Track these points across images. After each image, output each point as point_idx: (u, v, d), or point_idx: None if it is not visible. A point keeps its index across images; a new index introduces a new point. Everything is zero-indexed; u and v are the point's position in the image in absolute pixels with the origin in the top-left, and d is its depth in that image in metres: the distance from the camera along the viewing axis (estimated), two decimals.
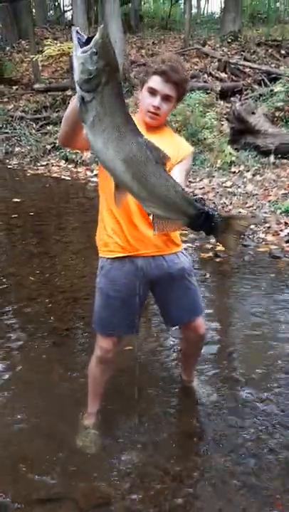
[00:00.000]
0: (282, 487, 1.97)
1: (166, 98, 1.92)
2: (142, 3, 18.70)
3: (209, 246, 4.61)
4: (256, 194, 5.88)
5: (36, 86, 10.42)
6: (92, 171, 8.04)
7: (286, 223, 4.91)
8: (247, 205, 5.53)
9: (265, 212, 5.25)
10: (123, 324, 2.09)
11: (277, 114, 7.66)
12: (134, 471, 2.08)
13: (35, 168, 8.50)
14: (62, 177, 7.90)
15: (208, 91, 9.05)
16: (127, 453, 2.17)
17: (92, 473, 2.08)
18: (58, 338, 3.13)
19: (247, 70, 10.29)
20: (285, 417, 2.37)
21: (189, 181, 6.55)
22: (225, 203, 5.69)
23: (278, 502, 1.92)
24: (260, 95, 8.63)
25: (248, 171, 6.72)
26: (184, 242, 3.09)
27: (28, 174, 8.21)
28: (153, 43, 13.42)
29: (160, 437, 2.27)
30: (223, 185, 6.34)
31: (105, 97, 1.33)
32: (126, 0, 16.79)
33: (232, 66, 10.34)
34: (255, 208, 5.44)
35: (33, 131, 9.27)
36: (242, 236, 1.73)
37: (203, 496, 1.96)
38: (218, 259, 4.33)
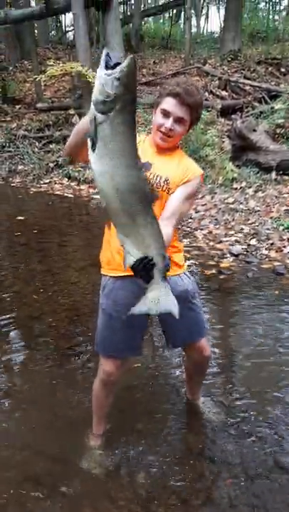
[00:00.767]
0: None
1: (179, 120, 1.91)
2: (143, 23, 18.96)
3: (213, 263, 4.61)
4: (258, 210, 5.89)
5: (39, 105, 10.54)
6: (94, 189, 8.08)
7: None
8: (249, 222, 5.54)
9: (268, 229, 5.25)
10: (126, 346, 2.07)
11: (278, 131, 7.72)
12: (142, 493, 2.05)
13: (38, 185, 8.55)
14: (65, 194, 7.94)
15: (209, 109, 9.14)
16: (133, 474, 2.14)
17: (98, 495, 2.05)
18: (61, 357, 3.11)
19: (247, 87, 10.40)
20: None
21: None
22: (227, 219, 5.70)
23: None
24: (261, 113, 8.71)
25: (249, 187, 6.75)
26: (188, 259, 3.09)
27: (31, 192, 8.25)
28: (154, 62, 13.60)
29: (167, 458, 2.24)
30: (225, 201, 6.36)
31: (115, 123, 1.35)
32: (126, 20, 17.08)
33: (232, 84, 10.46)
34: (257, 224, 5.44)
35: (36, 149, 9.34)
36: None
37: None
38: (221, 276, 4.32)
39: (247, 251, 4.82)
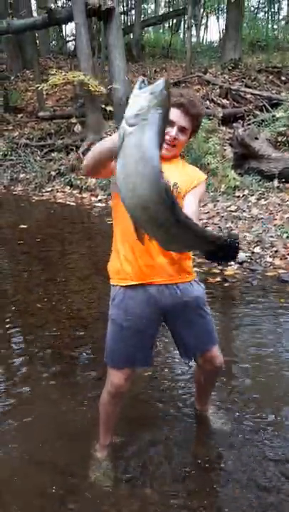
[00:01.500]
0: None
1: (182, 130, 1.97)
2: (143, 33, 19.10)
3: (217, 270, 4.59)
4: (261, 218, 5.88)
5: (41, 114, 10.58)
6: (96, 197, 8.09)
7: None
8: (253, 229, 5.52)
9: (272, 237, 5.24)
10: (136, 356, 2.05)
11: (279, 139, 7.74)
12: (151, 506, 2.01)
13: (40, 194, 8.56)
14: (68, 203, 7.95)
15: (211, 117, 9.17)
16: (142, 486, 2.11)
17: (105, 507, 2.01)
18: (66, 366, 3.09)
19: (248, 96, 10.46)
20: None
21: None
22: (231, 227, 5.68)
23: None
24: (262, 121, 8.74)
25: (252, 195, 6.75)
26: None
27: (33, 200, 8.26)
28: (155, 71, 13.67)
29: (176, 470, 2.21)
30: (228, 209, 6.36)
31: (144, 133, 1.35)
32: (127, 30, 17.20)
33: (233, 92, 10.51)
34: (260, 232, 5.42)
35: (38, 158, 9.37)
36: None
37: None
38: (226, 284, 4.30)
39: (251, 259, 4.80)
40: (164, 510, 1.99)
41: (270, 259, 4.74)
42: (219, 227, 5.75)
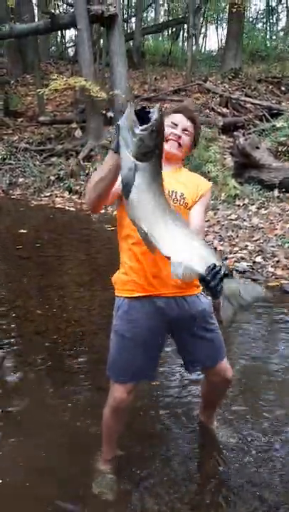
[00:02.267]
0: None
1: (185, 131, 2.03)
2: (143, 40, 19.17)
3: None
4: (262, 227, 5.87)
5: (41, 118, 10.56)
6: None
7: None
8: (254, 239, 5.51)
9: (273, 246, 5.22)
10: (141, 369, 2.00)
11: (280, 148, 7.76)
12: None
13: (39, 199, 8.52)
14: (67, 208, 7.91)
15: (211, 125, 9.19)
16: (145, 500, 2.06)
17: None
18: (68, 375, 3.03)
19: (248, 105, 10.50)
20: None
21: None
22: (231, 235, 5.67)
23: None
24: (263, 130, 8.77)
25: (252, 204, 6.75)
26: None
27: (32, 205, 8.22)
28: (155, 78, 13.70)
29: (180, 484, 2.16)
30: (228, 218, 6.34)
31: (156, 165, 1.53)
32: (128, 37, 17.27)
33: (233, 102, 10.55)
34: (262, 241, 5.41)
35: (37, 162, 9.33)
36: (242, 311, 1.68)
37: None
38: None
39: (253, 268, 4.78)
40: None
41: (271, 269, 4.71)
42: (220, 235, 5.73)
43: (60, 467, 2.23)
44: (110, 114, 9.14)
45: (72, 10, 11.30)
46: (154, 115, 1.46)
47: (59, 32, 19.31)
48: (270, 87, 11.86)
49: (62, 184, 8.70)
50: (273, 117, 9.61)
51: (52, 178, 8.82)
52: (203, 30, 25.48)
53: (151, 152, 1.48)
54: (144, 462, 2.27)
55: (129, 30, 19.88)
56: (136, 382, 2.04)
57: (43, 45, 18.18)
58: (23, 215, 7.73)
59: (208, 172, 7.41)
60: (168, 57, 17.84)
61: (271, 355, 3.27)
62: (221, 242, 5.54)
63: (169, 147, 1.98)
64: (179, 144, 2.02)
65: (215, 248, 5.24)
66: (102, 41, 12.90)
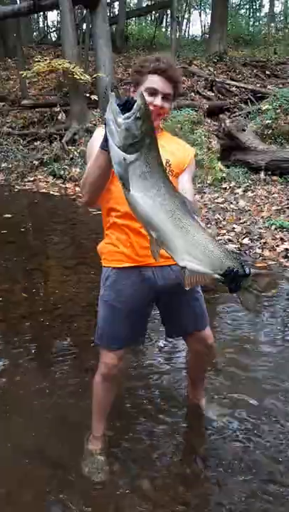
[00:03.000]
0: None
1: (165, 97, 1.86)
2: (126, 24, 18.91)
3: None
4: (249, 210, 5.85)
5: (24, 102, 10.34)
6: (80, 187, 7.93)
7: (282, 239, 4.86)
8: (241, 221, 5.48)
9: (260, 228, 5.20)
10: (130, 336, 2.01)
11: (266, 131, 7.72)
12: (146, 500, 1.94)
13: (23, 183, 8.36)
14: (51, 193, 7.77)
15: (196, 109, 9.11)
16: (136, 481, 2.03)
17: (100, 503, 1.93)
18: (54, 358, 2.98)
19: (233, 89, 10.43)
20: None
21: None
22: (219, 218, 5.63)
23: None
24: (249, 113, 8.72)
25: (239, 187, 6.71)
26: None
27: (16, 190, 8.06)
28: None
29: (171, 463, 2.14)
30: (215, 201, 6.30)
31: (150, 157, 1.42)
32: (111, 21, 17.00)
33: (219, 85, 10.47)
34: (249, 223, 5.38)
35: (20, 146, 9.14)
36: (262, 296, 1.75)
37: None
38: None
39: (240, 250, 4.75)
40: (159, 504, 1.92)
41: (259, 251, 4.69)
42: (207, 218, 5.69)
43: (49, 449, 2.19)
44: (94, 96, 8.98)
45: None
46: (138, 101, 1.36)
47: (42, 16, 18.96)
48: (255, 70, 11.80)
49: (46, 169, 8.54)
50: (258, 100, 9.56)
51: (35, 162, 8.64)
52: (186, 15, 25.23)
53: (139, 142, 1.38)
54: (133, 442, 2.24)
55: (112, 14, 19.57)
56: (126, 346, 2.05)
57: (25, 29, 17.85)
58: (6, 200, 7.59)
59: (194, 155, 7.34)
60: (152, 41, 17.62)
61: (257, 335, 3.25)
62: (209, 225, 5.50)
63: None
64: (159, 114, 1.87)
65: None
66: (84, 25, 12.65)
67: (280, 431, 2.31)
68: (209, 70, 11.46)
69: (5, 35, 14.23)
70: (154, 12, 21.49)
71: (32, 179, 8.48)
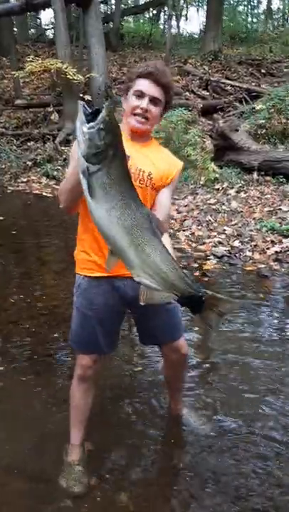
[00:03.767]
0: None
1: (153, 100, 1.84)
2: (122, 22, 18.83)
3: (196, 265, 4.51)
4: (241, 211, 5.82)
5: (18, 102, 10.30)
6: None
7: (272, 241, 4.84)
8: (232, 223, 5.46)
9: (251, 230, 5.18)
10: (102, 343, 2.01)
11: (259, 131, 7.69)
12: None
13: (16, 184, 8.32)
14: (44, 194, 7.74)
15: (190, 108, 9.07)
16: (115, 493, 2.01)
17: None
18: (40, 365, 2.96)
19: (228, 88, 10.38)
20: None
21: (174, 198, 6.47)
22: (210, 220, 5.61)
23: None
24: (242, 113, 8.68)
25: (231, 188, 6.68)
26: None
27: (8, 191, 8.03)
28: (134, 61, 13.47)
29: (151, 475, 2.12)
30: (208, 202, 6.27)
31: (112, 169, 1.39)
32: (107, 19, 16.92)
33: (213, 84, 10.42)
34: (240, 225, 5.36)
35: (14, 147, 9.10)
36: (224, 317, 1.79)
37: None
38: (205, 279, 4.22)
39: (230, 253, 4.74)
40: None
41: (249, 254, 4.68)
42: (198, 220, 5.67)
43: (30, 462, 2.16)
44: (88, 97, 8.93)
45: None
46: (102, 112, 1.34)
47: (33, 16, 18.86)
48: (250, 69, 11.74)
49: (39, 169, 8.52)
50: (253, 100, 9.51)
51: (29, 163, 8.61)
52: (184, 12, 25.14)
53: (102, 153, 1.35)
54: (113, 453, 2.22)
55: (110, 11, 19.49)
56: (99, 353, 2.05)
57: (20, 27, 17.78)
58: None
59: (188, 156, 7.31)
60: (148, 39, 17.55)
61: (246, 340, 3.23)
62: (200, 227, 5.48)
63: (134, 122, 1.87)
64: (146, 118, 1.85)
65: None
66: (80, 22, 12.58)
67: (265, 440, 2.29)
68: (204, 69, 11.41)
69: None
70: (151, 9, 21.40)
71: (25, 180, 8.45)
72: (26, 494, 2.01)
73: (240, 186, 6.68)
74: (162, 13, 21.94)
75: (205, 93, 10.38)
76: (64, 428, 2.23)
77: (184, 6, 23.11)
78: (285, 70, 11.79)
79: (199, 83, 10.66)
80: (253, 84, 10.70)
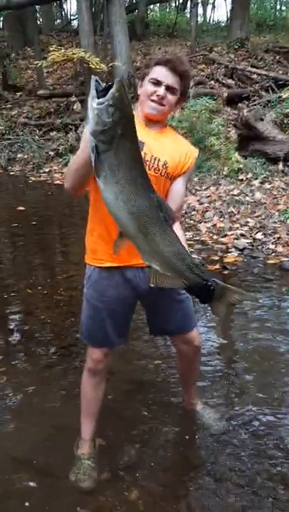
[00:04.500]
0: None
1: (170, 89, 1.80)
2: (148, 11, 18.63)
3: (217, 257, 4.40)
4: (265, 203, 5.67)
5: (40, 92, 10.28)
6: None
7: None
8: (255, 215, 5.32)
9: (275, 222, 5.03)
10: (112, 336, 1.96)
11: (285, 120, 7.46)
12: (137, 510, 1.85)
13: (38, 175, 8.33)
14: None
15: (215, 97, 8.88)
16: (126, 490, 1.95)
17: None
18: (55, 358, 2.92)
19: (254, 76, 10.12)
20: None
21: (196, 189, 6.36)
22: (232, 211, 5.47)
23: None
24: (268, 102, 8.44)
25: (256, 178, 6.51)
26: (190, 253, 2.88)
27: (30, 181, 8.05)
28: (159, 49, 13.29)
29: (163, 472, 2.05)
30: (231, 193, 6.13)
31: (120, 149, 1.32)
32: (132, 7, 16.74)
33: (239, 72, 10.17)
34: (263, 217, 5.22)
35: (36, 137, 9.10)
36: (233, 308, 1.72)
37: None
38: (226, 272, 4.11)
39: (252, 245, 4.61)
40: None
41: (272, 246, 4.54)
42: (220, 211, 5.54)
43: (41, 456, 2.12)
44: None
45: None
46: (113, 88, 1.28)
47: (58, 5, 18.81)
48: (278, 57, 11.41)
49: (61, 160, 8.49)
50: (280, 88, 9.24)
51: (51, 153, 8.61)
52: (211, 0, 24.71)
53: (109, 130, 1.29)
54: (125, 449, 2.16)
55: (134, 0, 19.28)
56: (110, 347, 2.00)
57: (46, 17, 17.75)
58: (21, 191, 7.58)
59: (211, 145, 7.16)
60: (173, 28, 17.28)
61: (268, 334, 3.13)
62: (222, 219, 5.35)
63: (150, 109, 1.81)
64: (162, 104, 1.80)
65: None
66: (104, 12, 12.45)
67: (285, 436, 2.20)
68: (230, 57, 11.15)
69: (24, 24, 14.14)
70: None
71: (47, 170, 8.46)
72: (35, 488, 1.97)
73: (265, 177, 6.51)
74: (189, 1, 21.61)
75: (230, 82, 10.13)
76: (75, 422, 2.19)
77: None
78: None
79: (224, 72, 10.41)
80: (280, 72, 10.39)
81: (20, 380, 2.68)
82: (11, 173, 8.65)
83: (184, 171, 1.89)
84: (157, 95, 1.78)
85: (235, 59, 11.05)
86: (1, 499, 1.92)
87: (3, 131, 9.38)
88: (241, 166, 6.82)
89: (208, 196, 6.08)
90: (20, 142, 9.05)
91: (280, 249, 4.46)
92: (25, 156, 8.75)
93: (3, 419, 2.37)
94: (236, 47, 11.67)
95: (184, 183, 1.91)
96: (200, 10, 20.42)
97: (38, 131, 9.26)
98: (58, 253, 4.87)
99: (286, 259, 4.27)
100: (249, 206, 5.62)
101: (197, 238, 4.89)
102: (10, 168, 8.86)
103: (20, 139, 9.11)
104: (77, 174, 1.71)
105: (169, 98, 1.80)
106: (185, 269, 1.56)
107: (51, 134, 9.08)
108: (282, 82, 9.41)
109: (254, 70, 10.21)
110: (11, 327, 3.33)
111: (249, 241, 4.68)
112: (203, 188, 6.41)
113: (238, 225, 5.09)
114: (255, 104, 8.52)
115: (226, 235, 4.87)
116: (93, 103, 1.30)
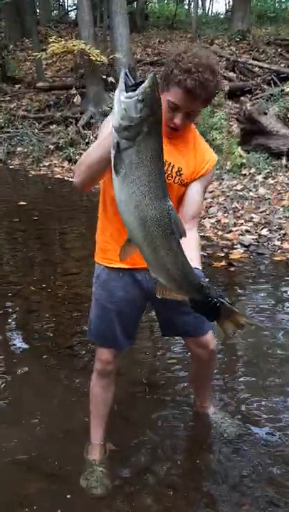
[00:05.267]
0: None
1: (189, 114, 1.65)
2: (147, 2, 18.44)
3: (222, 254, 4.34)
4: (269, 198, 5.60)
5: (39, 84, 10.16)
6: None
7: None
8: (260, 210, 5.25)
9: (280, 218, 4.97)
10: (120, 337, 1.91)
11: (288, 114, 7.39)
12: None
13: (38, 168, 8.24)
14: (66, 178, 7.64)
15: (217, 91, 8.78)
16: (138, 497, 1.90)
17: None
18: (60, 357, 2.86)
19: (256, 69, 10.03)
20: None
21: None
22: (236, 207, 5.41)
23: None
24: (271, 95, 8.36)
25: (259, 173, 6.45)
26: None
27: (30, 175, 7.95)
28: (159, 41, 13.16)
29: (176, 478, 2.00)
30: (234, 188, 6.06)
31: (143, 148, 1.24)
32: None
33: (241, 65, 10.08)
34: (268, 213, 5.15)
35: (36, 130, 8.99)
36: (237, 330, 1.62)
37: None
38: (231, 269, 4.06)
39: (258, 242, 4.55)
40: None
41: (278, 243, 4.48)
42: (224, 207, 5.47)
43: (48, 460, 2.07)
44: (111, 78, 8.73)
45: None
46: (145, 83, 1.18)
47: None
48: (280, 49, 11.31)
49: (61, 153, 8.40)
50: (282, 82, 9.16)
51: (51, 146, 8.51)
52: None
53: (135, 127, 1.20)
54: (137, 454, 2.11)
55: None
56: (118, 348, 1.96)
57: (43, 8, 17.54)
58: (21, 185, 7.49)
59: (213, 140, 7.08)
60: (173, 19, 17.11)
61: (276, 332, 3.08)
62: (226, 214, 5.29)
63: (166, 133, 1.65)
64: (178, 130, 1.68)
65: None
66: (104, 3, 12.30)
67: None
68: (231, 50, 11.05)
69: (22, 15, 13.96)
70: None
71: (47, 164, 8.37)
72: (44, 493, 1.91)
73: (268, 172, 6.44)
74: None
75: (232, 75, 10.04)
76: (83, 424, 2.15)
77: None
78: None
79: (226, 64, 10.31)
80: (283, 65, 10.31)
81: (26, 382, 2.62)
82: (11, 166, 8.56)
83: (198, 176, 1.79)
84: (174, 123, 1.64)
85: (237, 52, 10.96)
86: (9, 504, 1.87)
87: (2, 124, 9.27)
88: (244, 160, 6.76)
89: (212, 191, 6.01)
90: (20, 135, 8.94)
91: (286, 245, 4.40)
92: (25, 150, 8.66)
93: (7, 421, 2.31)
94: (237, 39, 11.57)
95: (200, 188, 1.81)
96: (199, 1, 20.23)
97: (37, 124, 9.16)
98: (59, 249, 4.80)
99: None
100: (253, 201, 5.55)
101: (202, 234, 4.82)
102: (9, 161, 8.77)
103: (19, 132, 9.00)
104: (90, 170, 1.61)
105: (187, 122, 1.67)
106: (190, 286, 1.48)
107: (51, 127, 8.98)
108: (285, 76, 9.34)
109: (256, 63, 10.14)
110: (15, 326, 3.26)
111: (254, 237, 4.62)
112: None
113: (242, 221, 5.03)
114: (257, 98, 8.44)
115: (230, 231, 4.81)
116: (121, 96, 1.22)
